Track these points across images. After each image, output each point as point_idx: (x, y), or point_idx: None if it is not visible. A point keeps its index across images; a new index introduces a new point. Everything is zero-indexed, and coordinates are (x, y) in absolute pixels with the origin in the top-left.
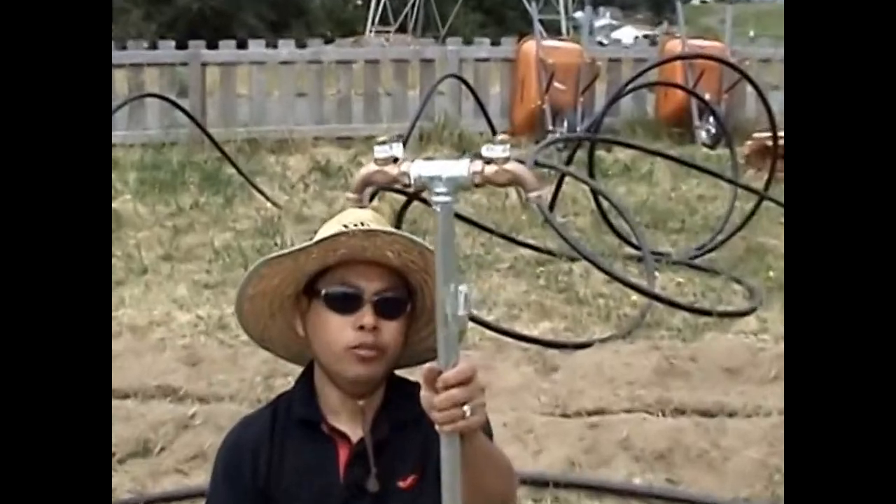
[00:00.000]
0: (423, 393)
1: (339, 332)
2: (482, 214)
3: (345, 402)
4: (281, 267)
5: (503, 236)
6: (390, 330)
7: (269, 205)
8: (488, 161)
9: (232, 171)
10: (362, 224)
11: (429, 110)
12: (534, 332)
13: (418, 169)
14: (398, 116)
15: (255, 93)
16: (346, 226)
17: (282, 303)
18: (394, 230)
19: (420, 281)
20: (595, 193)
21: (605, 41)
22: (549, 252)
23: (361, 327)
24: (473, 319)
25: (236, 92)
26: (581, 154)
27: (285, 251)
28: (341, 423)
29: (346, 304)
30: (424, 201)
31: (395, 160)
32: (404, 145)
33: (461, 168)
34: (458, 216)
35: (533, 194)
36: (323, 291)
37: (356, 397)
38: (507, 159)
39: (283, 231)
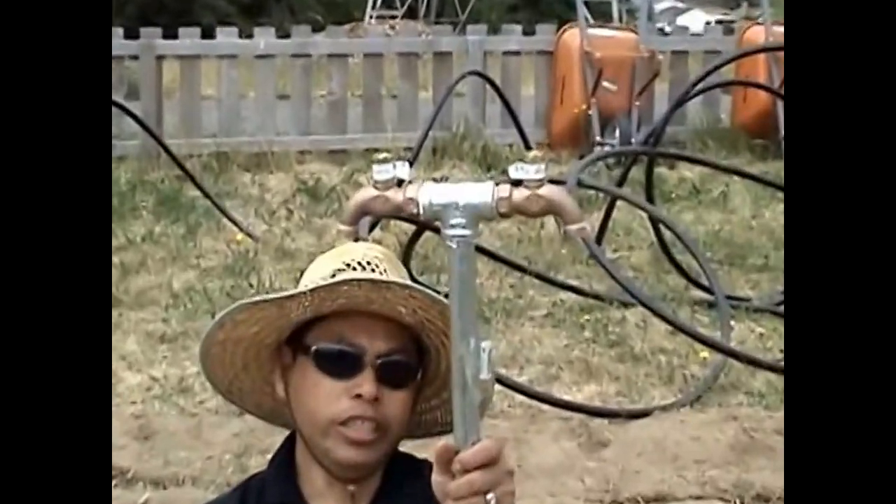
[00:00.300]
0: (436, 478)
1: (330, 400)
2: (511, 247)
3: (332, 485)
4: (262, 314)
5: (538, 276)
6: (395, 402)
7: (242, 236)
8: (517, 184)
9: (195, 193)
10: (369, 266)
11: (444, 117)
12: (577, 398)
13: (429, 194)
14: (406, 124)
15: (225, 94)
16: (348, 264)
17: (258, 352)
18: (410, 283)
19: (437, 343)
20: (654, 222)
21: (667, 29)
22: (597, 296)
23: (359, 396)
24: (501, 381)
25: (201, 93)
26: (637, 172)
27: (269, 297)
28: None
29: (342, 366)
30: (440, 231)
31: (400, 183)
32: (412, 162)
33: (483, 193)
34: (481, 250)
35: (574, 227)
36: (313, 348)
37: (346, 482)
38: (541, 182)
39: (260, 269)
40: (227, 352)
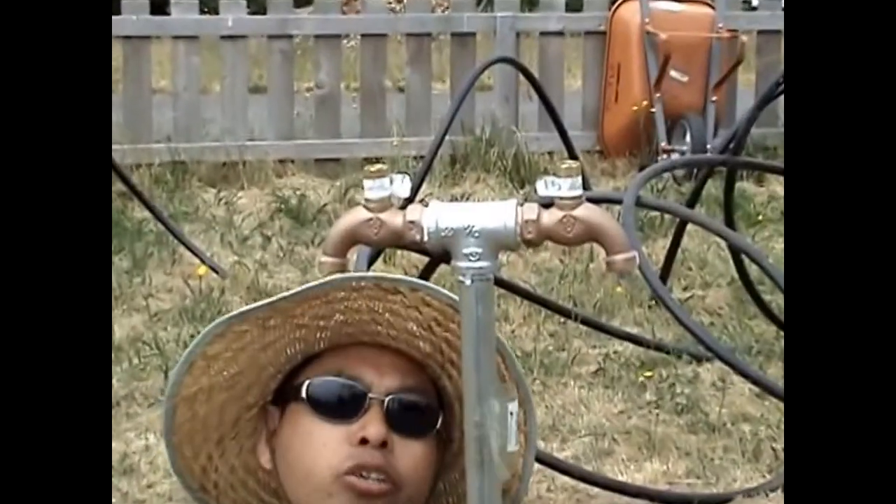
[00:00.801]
0: None
1: (329, 449)
2: (552, 285)
3: None
4: (241, 343)
5: (587, 322)
6: (409, 455)
7: (204, 270)
8: (547, 204)
9: (144, 214)
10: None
11: (466, 117)
12: (636, 479)
13: (435, 216)
14: (416, 126)
15: (183, 87)
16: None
17: (238, 416)
18: (423, 282)
19: (460, 391)
20: (736, 252)
21: (754, 2)
22: (661, 348)
23: (364, 441)
24: (539, 458)
25: (151, 85)
26: (714, 187)
27: (248, 307)
28: None
29: (342, 405)
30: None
31: (402, 203)
32: (424, 176)
33: (504, 215)
34: (512, 288)
35: (619, 258)
36: (306, 384)
37: None
38: (578, 200)
39: (229, 311)
40: (199, 418)
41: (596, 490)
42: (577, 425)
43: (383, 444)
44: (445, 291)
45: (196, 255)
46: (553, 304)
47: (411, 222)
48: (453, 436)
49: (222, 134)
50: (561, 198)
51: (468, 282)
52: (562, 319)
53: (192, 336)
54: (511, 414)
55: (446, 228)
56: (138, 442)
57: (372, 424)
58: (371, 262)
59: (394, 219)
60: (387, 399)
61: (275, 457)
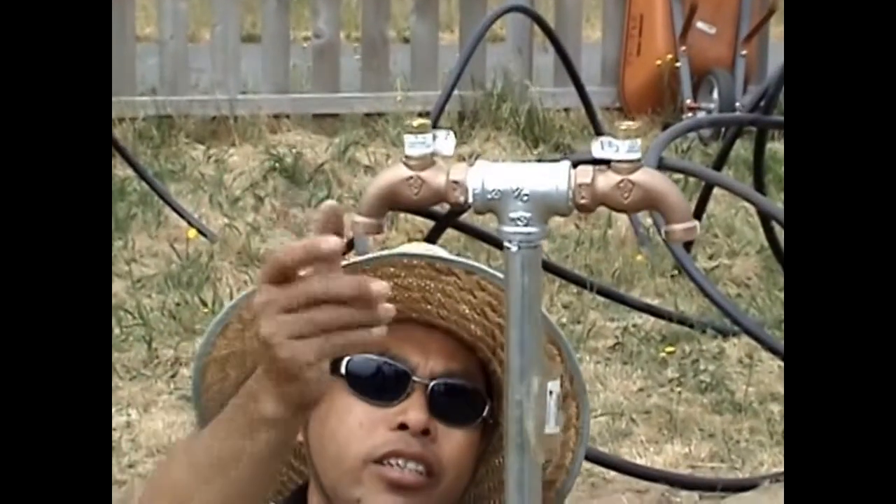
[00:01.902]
0: None
1: (365, 431)
2: (567, 252)
3: None
4: None
5: (604, 293)
6: (452, 443)
7: (192, 233)
8: (603, 167)
9: (127, 172)
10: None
11: (475, 70)
12: (656, 462)
13: (481, 177)
14: (422, 80)
15: (170, 34)
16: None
17: None
18: (478, 265)
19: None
20: (766, 218)
21: None
22: (684, 321)
23: (403, 426)
24: None
25: (135, 32)
26: (743, 148)
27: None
28: None
29: (383, 386)
30: (467, 230)
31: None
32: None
33: (557, 177)
34: None
35: (679, 227)
36: (346, 359)
37: None
38: (637, 164)
39: (218, 279)
40: (230, 380)
41: (612, 474)
42: (592, 404)
43: (425, 432)
44: (501, 276)
45: (183, 217)
46: (568, 272)
47: (455, 182)
48: (500, 421)
49: (212, 86)
50: (619, 160)
51: (514, 248)
52: (577, 290)
53: (178, 305)
54: (550, 393)
55: (493, 190)
56: (119, 418)
57: (413, 410)
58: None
59: (436, 178)
60: (431, 383)
61: (307, 431)
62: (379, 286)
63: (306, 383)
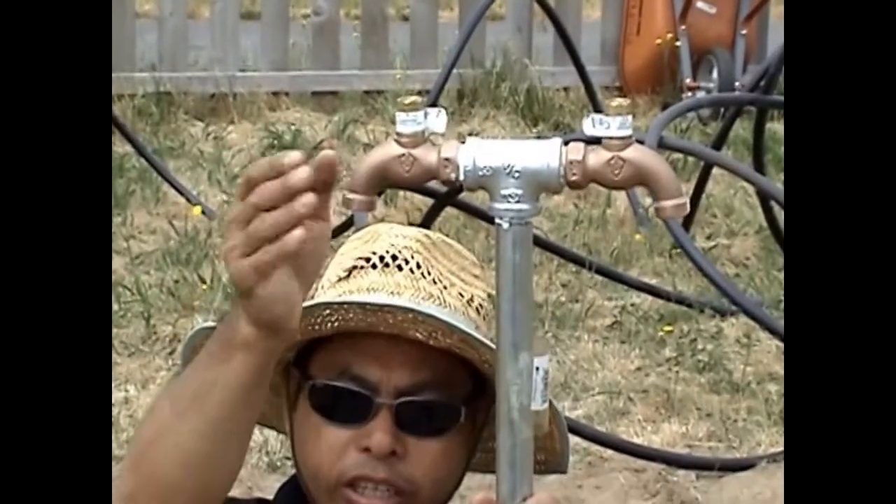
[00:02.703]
0: None
1: (335, 453)
2: (565, 231)
3: None
4: None
5: (602, 271)
6: (427, 456)
7: (191, 210)
8: (594, 143)
9: (126, 149)
10: (395, 261)
11: (475, 48)
12: (653, 441)
13: (473, 154)
14: (422, 58)
15: (169, 11)
16: (367, 259)
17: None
18: (414, 306)
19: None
20: (765, 198)
21: None
22: (682, 300)
23: (367, 450)
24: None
25: (134, 8)
26: (743, 128)
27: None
28: None
29: (346, 408)
30: (466, 208)
31: (432, 139)
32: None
33: (548, 154)
34: None
35: (670, 203)
36: (309, 386)
37: None
38: (628, 141)
39: (216, 256)
40: None
41: (609, 452)
42: (590, 383)
43: (392, 454)
44: (439, 313)
45: (182, 193)
46: (566, 251)
47: (447, 159)
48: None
49: (211, 63)
50: (610, 137)
51: (506, 225)
52: (575, 268)
53: (177, 281)
54: (537, 369)
55: (485, 167)
56: (117, 394)
57: (378, 432)
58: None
59: (427, 155)
60: (395, 403)
61: (291, 430)
62: (291, 159)
63: (263, 302)
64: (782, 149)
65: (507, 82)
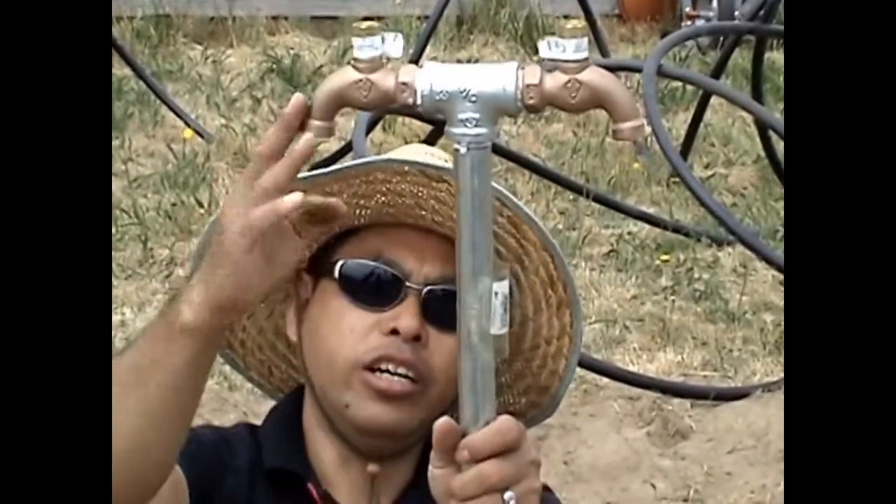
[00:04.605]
0: (435, 471)
1: (356, 336)
2: (563, 159)
3: (347, 463)
4: None
5: (600, 199)
6: (445, 349)
7: (189, 133)
8: (551, 67)
9: (125, 72)
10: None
11: None
12: (648, 370)
13: (429, 78)
14: None
15: None
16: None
17: None
18: (449, 166)
19: (517, 272)
20: (763, 128)
21: None
22: (679, 229)
23: (394, 332)
24: None
25: None
26: (742, 57)
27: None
28: (338, 495)
29: (376, 291)
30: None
31: (391, 63)
32: (428, 38)
33: (504, 78)
34: (520, 161)
35: (625, 125)
36: (339, 263)
37: (367, 457)
38: (583, 64)
39: (214, 180)
40: None
41: (605, 381)
42: (586, 311)
43: (416, 338)
44: (497, 187)
45: (180, 116)
46: (564, 179)
47: (403, 84)
48: (514, 320)
49: None
50: (565, 61)
51: (463, 150)
52: (573, 196)
53: (175, 205)
54: (496, 294)
55: (441, 91)
56: (114, 317)
57: (406, 315)
58: (370, 128)
59: (385, 80)
60: (425, 289)
61: (301, 330)
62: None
63: (233, 278)
64: (781, 78)
65: (506, 9)
